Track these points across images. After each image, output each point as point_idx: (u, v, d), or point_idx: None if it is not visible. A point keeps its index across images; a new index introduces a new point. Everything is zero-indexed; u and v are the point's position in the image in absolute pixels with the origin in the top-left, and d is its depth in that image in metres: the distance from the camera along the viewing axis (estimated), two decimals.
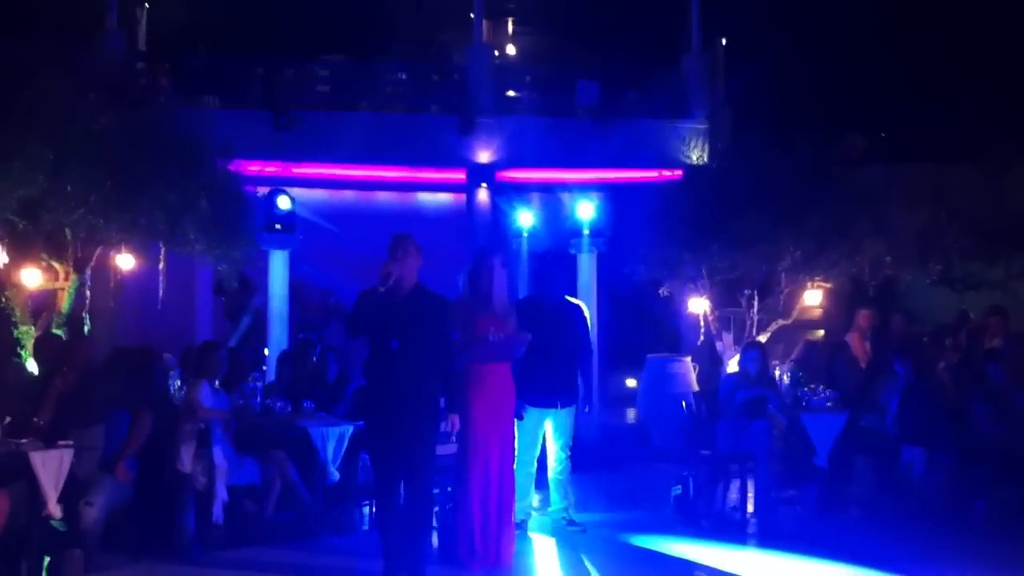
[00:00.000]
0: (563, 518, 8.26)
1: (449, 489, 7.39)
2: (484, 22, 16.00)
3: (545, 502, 8.61)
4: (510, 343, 6.98)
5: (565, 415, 8.20)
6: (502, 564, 6.97)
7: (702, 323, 12.76)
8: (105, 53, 12.92)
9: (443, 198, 16.01)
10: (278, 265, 12.22)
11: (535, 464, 8.15)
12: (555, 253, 9.10)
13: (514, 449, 7.34)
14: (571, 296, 8.83)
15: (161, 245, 10.61)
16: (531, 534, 8.00)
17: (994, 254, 12.73)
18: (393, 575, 6.49)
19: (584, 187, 14.50)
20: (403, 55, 16.48)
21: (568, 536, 8.00)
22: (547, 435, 8.19)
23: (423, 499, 6.52)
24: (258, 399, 8.99)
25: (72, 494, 6.86)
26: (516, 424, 7.54)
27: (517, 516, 7.66)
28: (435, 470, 6.63)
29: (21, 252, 9.86)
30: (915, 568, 6.85)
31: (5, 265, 9.71)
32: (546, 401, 8.05)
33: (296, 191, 12.44)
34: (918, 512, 8.47)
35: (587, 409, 8.53)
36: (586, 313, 8.55)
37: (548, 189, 15.37)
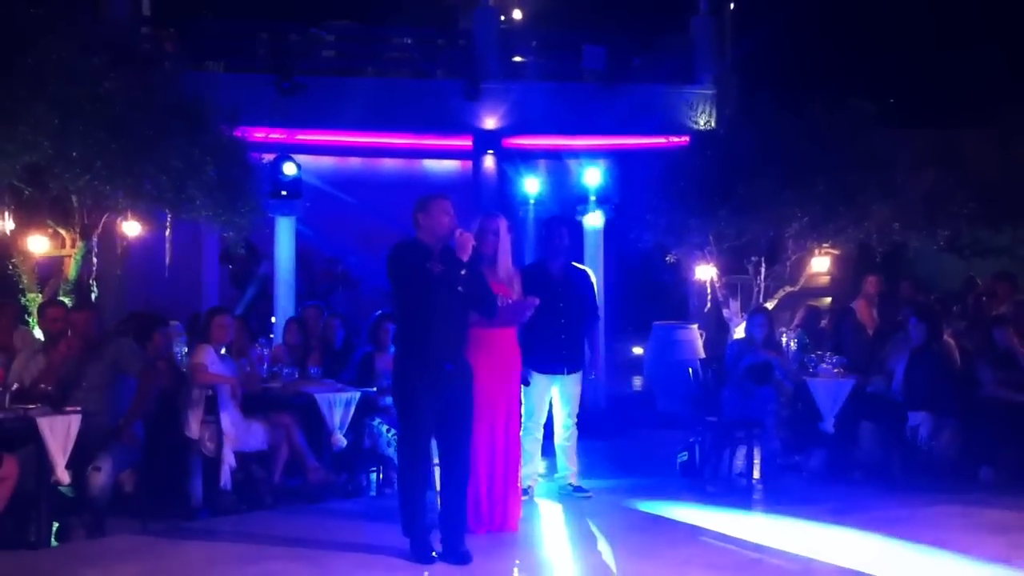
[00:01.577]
0: (569, 484, 8.27)
1: None
2: None
3: (551, 468, 8.63)
4: (516, 308, 6.96)
5: (571, 382, 8.18)
6: (508, 529, 6.98)
7: (709, 290, 12.75)
8: (109, 18, 12.84)
9: (449, 165, 15.98)
10: (284, 232, 12.24)
11: (541, 430, 8.15)
12: (561, 219, 9.05)
13: (520, 414, 7.33)
14: (577, 262, 8.79)
15: (167, 212, 10.62)
16: (537, 500, 8.02)
17: (1001, 220, 12.67)
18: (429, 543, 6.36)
19: (591, 153, 14.47)
20: (409, 20, 16.40)
21: (574, 502, 8.01)
22: (554, 401, 8.18)
23: (466, 462, 6.46)
24: (265, 365, 9.02)
25: (80, 460, 6.90)
26: (523, 390, 7.53)
27: (524, 482, 7.68)
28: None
29: (27, 219, 9.88)
30: (921, 532, 6.85)
31: (12, 232, 9.72)
32: (552, 367, 8.03)
33: (302, 158, 12.43)
34: (924, 477, 8.49)
35: (593, 376, 8.51)
36: (593, 279, 8.52)
37: (555, 155, 15.33)
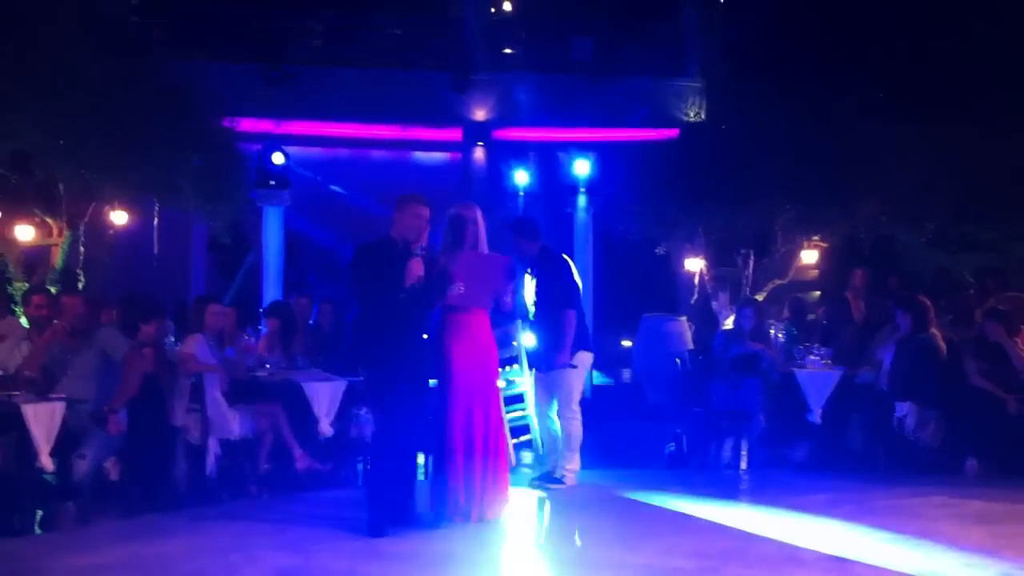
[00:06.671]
0: (547, 471, 8.14)
1: None
2: None
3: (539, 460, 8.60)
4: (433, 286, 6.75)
5: (544, 380, 7.87)
6: (489, 518, 6.85)
7: (697, 282, 12.76)
8: (97, 5, 12.79)
9: (439, 156, 15.94)
10: (272, 221, 12.22)
11: (552, 419, 7.96)
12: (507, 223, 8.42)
13: (500, 399, 7.18)
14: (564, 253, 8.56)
15: (155, 201, 10.59)
16: (521, 489, 7.94)
17: (989, 215, 12.64)
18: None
19: (580, 145, 14.45)
20: (398, 9, 16.35)
21: (560, 492, 7.95)
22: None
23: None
24: (252, 354, 8.99)
25: (65, 447, 6.87)
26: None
27: (556, 472, 7.79)
28: None
29: (14, 207, 9.84)
30: (906, 523, 6.86)
31: None
32: (529, 363, 7.98)
33: (290, 148, 12.40)
34: (909, 467, 8.50)
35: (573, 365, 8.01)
36: (569, 264, 7.89)
37: (544, 147, 15.30)
